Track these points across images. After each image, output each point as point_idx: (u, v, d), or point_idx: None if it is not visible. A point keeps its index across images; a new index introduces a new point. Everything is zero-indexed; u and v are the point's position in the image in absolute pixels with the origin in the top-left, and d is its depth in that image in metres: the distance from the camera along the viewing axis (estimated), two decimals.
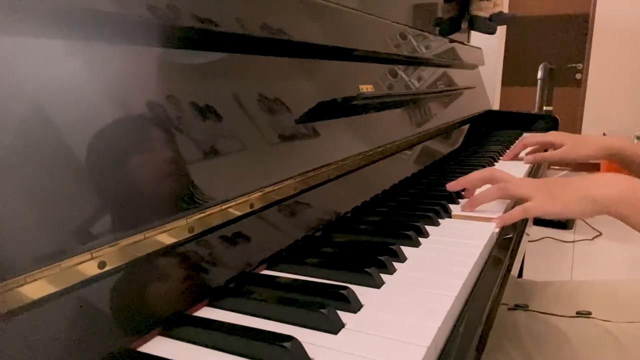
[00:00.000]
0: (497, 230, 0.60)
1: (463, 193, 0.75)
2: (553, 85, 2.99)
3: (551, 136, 1.05)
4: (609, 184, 0.59)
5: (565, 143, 1.00)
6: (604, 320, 0.70)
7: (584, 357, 0.65)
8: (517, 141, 1.12)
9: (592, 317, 0.71)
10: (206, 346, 0.35)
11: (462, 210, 0.68)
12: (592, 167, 3.96)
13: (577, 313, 0.73)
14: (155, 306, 0.36)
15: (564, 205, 0.60)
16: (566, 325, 0.71)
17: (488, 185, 0.69)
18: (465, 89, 1.45)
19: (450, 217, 0.66)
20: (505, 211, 0.66)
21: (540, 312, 0.75)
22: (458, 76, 1.39)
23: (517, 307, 0.77)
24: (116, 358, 0.32)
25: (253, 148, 0.51)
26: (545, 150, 1.12)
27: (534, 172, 1.04)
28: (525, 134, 1.14)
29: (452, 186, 0.73)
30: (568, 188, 0.61)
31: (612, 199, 0.58)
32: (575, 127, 4.27)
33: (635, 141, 3.80)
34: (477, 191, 0.72)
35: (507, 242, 0.59)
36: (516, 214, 0.62)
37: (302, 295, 0.41)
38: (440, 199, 0.70)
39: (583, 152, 0.98)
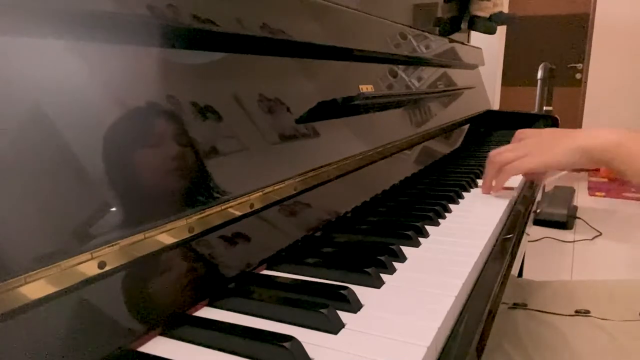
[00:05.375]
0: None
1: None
2: (553, 85, 2.99)
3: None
4: (601, 135, 0.61)
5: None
6: (602, 319, 0.70)
7: (581, 355, 0.65)
8: (513, 138, 0.94)
9: (591, 316, 0.72)
10: (206, 346, 0.35)
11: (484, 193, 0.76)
12: (592, 170, 3.96)
13: (576, 312, 0.73)
14: (155, 306, 0.36)
15: (552, 157, 0.63)
16: (564, 324, 0.71)
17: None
18: (465, 89, 1.45)
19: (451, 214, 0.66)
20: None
21: (539, 311, 0.75)
22: (458, 76, 1.39)
23: (515, 305, 0.77)
24: (116, 358, 0.32)
25: (253, 148, 0.51)
26: None
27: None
28: (519, 130, 0.92)
29: (486, 189, 0.77)
30: (558, 140, 0.64)
31: (602, 150, 0.60)
32: (575, 127, 4.27)
33: None
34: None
35: (507, 242, 0.59)
36: (501, 175, 0.69)
37: (302, 295, 0.41)
38: (441, 199, 0.70)
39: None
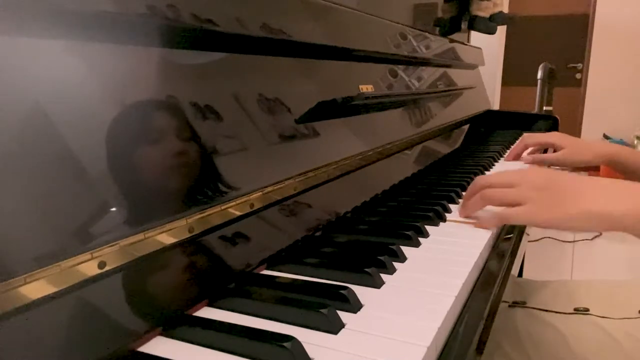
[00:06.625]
0: (491, 232, 0.56)
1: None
2: (553, 85, 2.99)
3: (553, 137, 1.04)
4: (622, 198, 0.50)
5: (565, 146, 1.00)
6: (602, 317, 0.70)
7: (580, 353, 0.65)
8: (518, 141, 1.12)
9: (590, 314, 0.72)
10: (206, 346, 0.35)
11: (460, 217, 0.65)
12: (591, 169, 3.95)
13: (575, 310, 0.73)
14: (155, 306, 0.36)
15: (564, 218, 0.51)
16: (563, 322, 0.71)
17: None
18: (465, 89, 1.45)
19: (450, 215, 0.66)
20: None
21: (538, 309, 0.75)
22: (458, 76, 1.39)
23: (515, 304, 0.77)
24: (116, 358, 0.32)
25: (253, 148, 0.51)
26: (546, 151, 1.12)
27: None
28: (526, 134, 1.13)
29: (462, 212, 0.65)
30: (571, 196, 0.52)
31: (624, 216, 0.49)
32: (575, 127, 4.27)
33: (635, 141, 3.80)
34: None
35: (507, 242, 0.59)
36: (492, 221, 0.55)
37: (302, 295, 0.41)
38: (440, 199, 0.70)
39: (582, 156, 0.98)
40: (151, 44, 0.42)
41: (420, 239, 0.56)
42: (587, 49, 4.22)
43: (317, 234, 0.57)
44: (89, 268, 0.32)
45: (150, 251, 0.37)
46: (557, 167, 1.03)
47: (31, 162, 0.31)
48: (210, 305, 0.41)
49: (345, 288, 0.40)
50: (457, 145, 1.23)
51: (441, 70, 1.24)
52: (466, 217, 0.63)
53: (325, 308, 0.36)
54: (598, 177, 0.56)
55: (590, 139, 4.10)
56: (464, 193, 0.76)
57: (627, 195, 0.51)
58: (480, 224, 0.59)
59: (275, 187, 0.51)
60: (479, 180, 0.63)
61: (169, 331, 0.36)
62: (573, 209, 0.51)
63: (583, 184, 0.54)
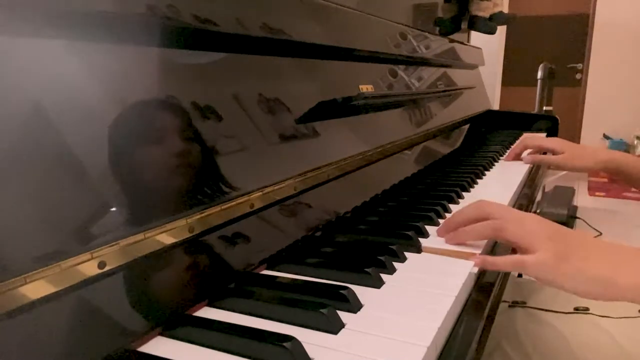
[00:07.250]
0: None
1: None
2: (553, 85, 2.99)
3: (553, 143, 1.04)
4: (629, 268, 0.45)
5: (565, 151, 1.00)
6: (602, 317, 0.71)
7: (580, 353, 0.65)
8: (518, 141, 1.12)
9: (590, 313, 0.72)
10: (206, 346, 0.35)
11: (446, 242, 0.55)
12: (591, 174, 3.95)
13: (575, 309, 0.73)
14: (155, 306, 0.36)
15: (574, 281, 0.45)
16: (563, 322, 0.71)
17: None
18: (465, 89, 1.44)
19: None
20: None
21: (538, 309, 0.75)
22: (458, 76, 1.39)
23: (515, 304, 0.78)
24: (116, 358, 0.32)
25: (253, 148, 0.51)
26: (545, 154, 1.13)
27: (533, 173, 1.04)
28: (526, 134, 1.13)
29: (441, 232, 0.57)
30: (586, 256, 0.46)
31: (636, 287, 0.44)
32: (575, 127, 4.27)
33: (635, 141, 3.79)
34: None
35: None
36: (508, 264, 0.48)
37: (302, 295, 0.41)
38: (441, 199, 0.70)
39: (583, 162, 0.98)
40: (151, 44, 0.42)
41: (421, 239, 0.56)
42: (587, 49, 4.22)
43: (317, 234, 0.57)
44: (89, 268, 0.32)
45: (150, 251, 0.37)
46: (557, 170, 1.03)
47: (31, 162, 0.31)
48: (210, 305, 0.41)
49: (345, 288, 0.40)
50: (457, 145, 1.23)
51: (441, 70, 1.24)
52: (461, 242, 0.54)
53: (325, 308, 0.36)
54: (602, 241, 0.50)
55: (590, 139, 4.11)
56: (464, 193, 0.77)
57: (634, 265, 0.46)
58: (486, 261, 0.49)
59: (275, 187, 0.51)
60: (490, 206, 0.54)
61: (169, 331, 0.36)
62: (585, 271, 0.45)
63: (598, 244, 0.49)
